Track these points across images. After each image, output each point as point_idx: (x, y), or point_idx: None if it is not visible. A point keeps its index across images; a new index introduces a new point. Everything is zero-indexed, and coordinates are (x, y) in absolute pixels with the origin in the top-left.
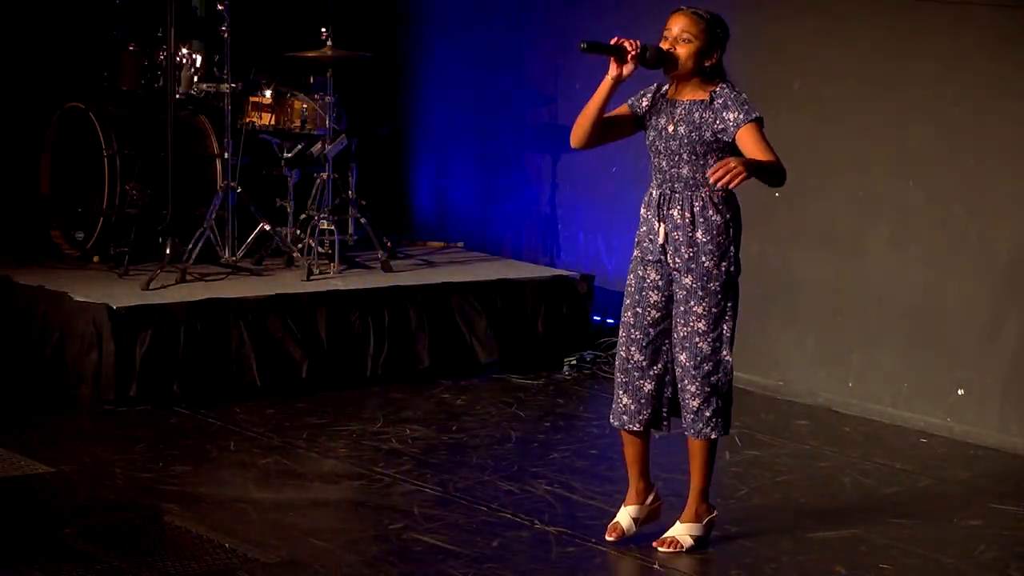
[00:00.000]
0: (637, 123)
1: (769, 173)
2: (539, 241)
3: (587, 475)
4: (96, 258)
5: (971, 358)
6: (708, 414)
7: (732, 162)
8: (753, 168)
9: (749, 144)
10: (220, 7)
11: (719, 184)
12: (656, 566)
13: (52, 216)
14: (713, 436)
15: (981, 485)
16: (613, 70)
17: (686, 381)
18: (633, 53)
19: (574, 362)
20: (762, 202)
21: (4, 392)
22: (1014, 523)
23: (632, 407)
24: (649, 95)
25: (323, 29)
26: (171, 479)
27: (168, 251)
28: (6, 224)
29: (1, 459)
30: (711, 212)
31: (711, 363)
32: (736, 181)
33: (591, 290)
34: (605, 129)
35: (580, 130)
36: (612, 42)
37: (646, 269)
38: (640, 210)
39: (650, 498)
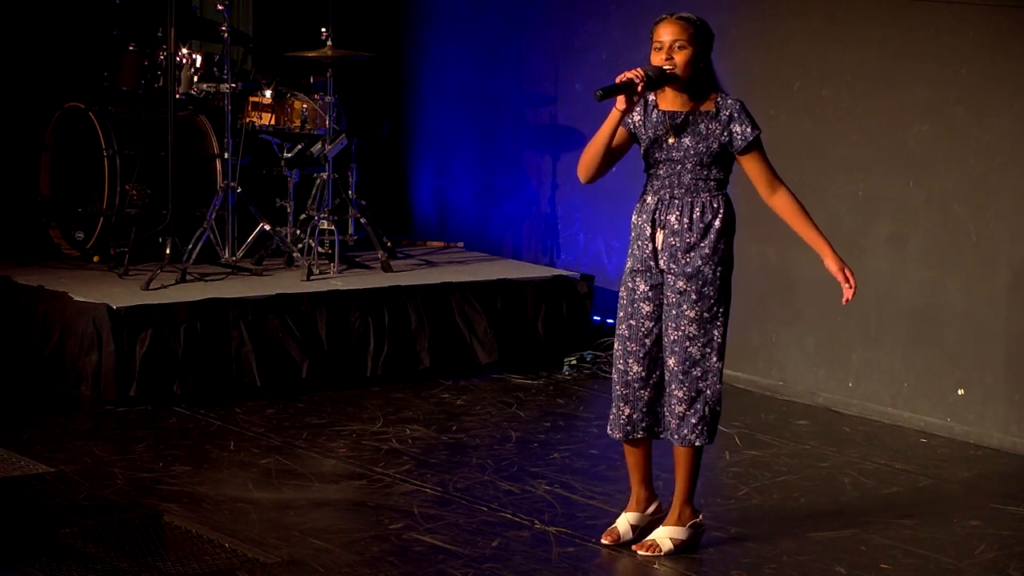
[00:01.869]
0: (632, 138)
1: (814, 223)
2: (539, 241)
3: (587, 475)
4: (96, 258)
5: (971, 358)
6: (694, 420)
7: (850, 282)
8: (833, 250)
9: (756, 170)
10: (220, 7)
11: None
12: (656, 566)
13: (52, 216)
14: (697, 444)
15: (981, 485)
16: (621, 104)
17: (673, 386)
18: (641, 84)
19: (574, 362)
20: (762, 202)
21: (4, 392)
22: (1014, 523)
23: (635, 417)
24: (639, 107)
25: (323, 29)
26: (171, 479)
27: (168, 251)
28: (6, 224)
29: (1, 459)
30: (709, 216)
31: (700, 368)
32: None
33: (591, 290)
34: (612, 158)
35: (591, 167)
36: (618, 80)
37: (635, 280)
38: (632, 217)
39: (651, 508)
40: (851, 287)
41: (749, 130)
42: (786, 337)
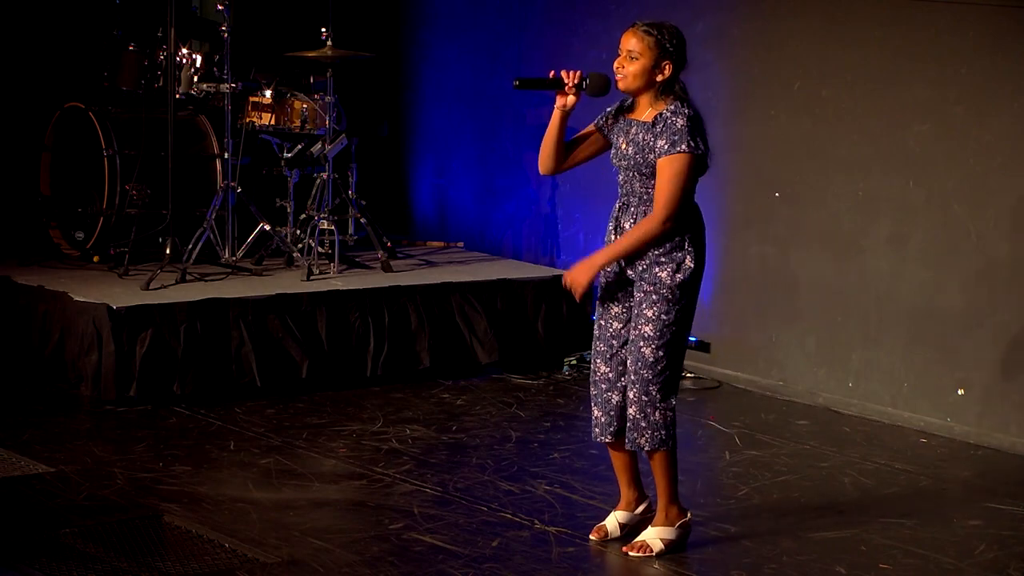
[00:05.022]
0: (608, 142)
1: (635, 245)
2: (539, 241)
3: (587, 475)
4: (96, 258)
5: (971, 358)
6: (644, 424)
7: (569, 280)
8: (606, 259)
9: (658, 179)
10: (220, 7)
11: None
12: (655, 566)
13: (52, 216)
14: (647, 448)
15: (981, 485)
16: (558, 101)
17: (627, 387)
18: (571, 84)
19: (574, 362)
20: (762, 202)
21: (4, 392)
22: (1014, 523)
23: (603, 419)
24: (613, 111)
25: (323, 29)
26: (171, 479)
27: (168, 251)
28: (6, 224)
29: (1, 459)
30: None
31: (651, 371)
32: (578, 292)
33: (591, 290)
34: (571, 152)
35: (544, 158)
36: (551, 75)
37: (608, 280)
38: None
39: (641, 508)
40: (572, 290)
41: (667, 146)
42: (786, 337)
